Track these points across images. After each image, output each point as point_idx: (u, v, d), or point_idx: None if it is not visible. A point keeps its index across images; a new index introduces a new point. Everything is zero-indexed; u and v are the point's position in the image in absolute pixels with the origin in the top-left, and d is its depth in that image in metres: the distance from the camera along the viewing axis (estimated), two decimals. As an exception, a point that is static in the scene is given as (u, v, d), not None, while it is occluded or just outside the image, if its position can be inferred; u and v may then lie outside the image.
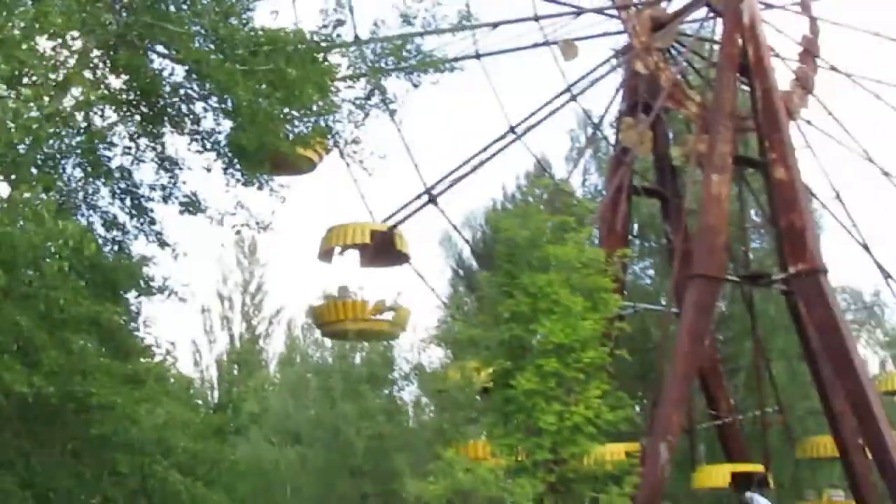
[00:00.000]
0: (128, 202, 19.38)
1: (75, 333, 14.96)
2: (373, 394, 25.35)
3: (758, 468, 29.59)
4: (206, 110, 18.06)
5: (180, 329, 58.82)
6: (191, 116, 18.58)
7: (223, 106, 17.40)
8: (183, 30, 16.78)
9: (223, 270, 47.73)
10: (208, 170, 18.42)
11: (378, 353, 27.83)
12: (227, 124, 18.07)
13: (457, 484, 11.50)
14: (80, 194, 18.82)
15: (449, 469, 11.83)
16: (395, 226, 26.83)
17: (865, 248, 33.98)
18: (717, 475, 29.07)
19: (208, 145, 18.55)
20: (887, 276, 34.31)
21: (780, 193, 29.47)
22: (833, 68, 34.67)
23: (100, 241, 18.25)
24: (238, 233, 18.57)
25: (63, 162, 18.18)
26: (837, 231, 34.12)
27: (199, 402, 20.69)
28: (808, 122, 33.91)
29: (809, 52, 34.06)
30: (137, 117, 18.66)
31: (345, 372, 27.25)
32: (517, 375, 16.44)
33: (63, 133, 17.28)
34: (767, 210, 32.03)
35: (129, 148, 19.05)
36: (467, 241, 36.06)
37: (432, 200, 27.61)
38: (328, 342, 38.01)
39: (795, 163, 29.75)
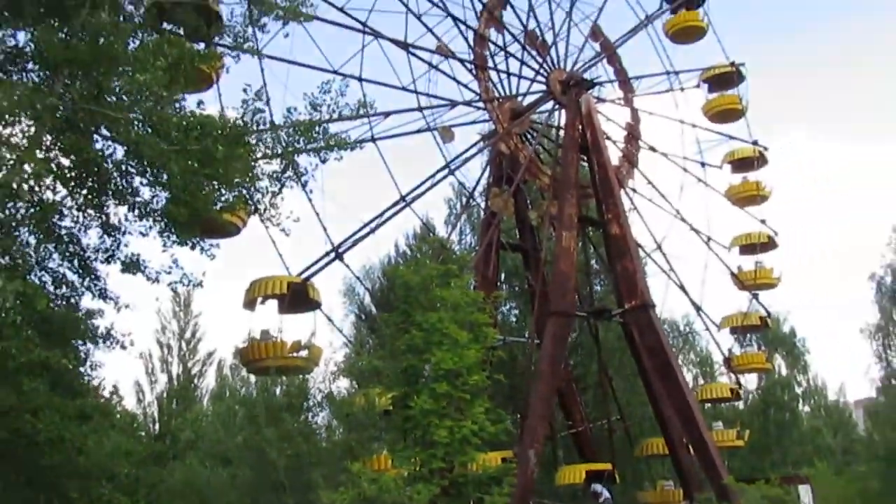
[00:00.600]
0: (75, 263, 18.39)
1: (26, 377, 13.94)
2: (291, 419, 24.41)
3: (606, 466, 29.73)
4: (143, 184, 17.35)
5: (125, 372, 57.11)
6: (130, 190, 17.80)
7: (159, 179, 16.65)
8: (122, 115, 16.18)
9: (161, 320, 46.62)
10: (144, 234, 17.57)
11: (295, 386, 26.93)
12: (162, 195, 17.38)
13: (363, 492, 10.96)
14: (33, 258, 17.71)
15: (356, 480, 11.29)
16: (307, 278, 26.21)
17: (681, 287, 35.07)
18: (573, 474, 29.05)
19: (146, 214, 17.75)
20: (698, 309, 35.45)
21: (615, 245, 30.11)
22: (651, 148, 35.98)
23: (51, 296, 17.30)
24: (174, 290, 17.69)
25: (17, 231, 17.11)
26: (659, 275, 35.11)
27: (143, 434, 19.52)
28: (634, 190, 35.02)
29: (632, 135, 35.28)
30: (84, 191, 17.74)
31: (267, 402, 26.20)
32: (414, 398, 16.06)
33: (19, 205, 16.41)
34: (606, 259, 32.73)
35: (77, 218, 18.10)
36: (368, 290, 35.61)
37: (339, 257, 27.11)
38: (252, 378, 37.01)
39: (626, 221, 30.53)
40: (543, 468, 29.29)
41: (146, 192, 17.25)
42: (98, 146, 17.31)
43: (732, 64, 37.01)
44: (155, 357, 45.46)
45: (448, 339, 16.47)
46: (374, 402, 19.77)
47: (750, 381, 42.37)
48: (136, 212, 17.87)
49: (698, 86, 38.02)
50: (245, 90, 18.38)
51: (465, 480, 16.22)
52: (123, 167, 17.49)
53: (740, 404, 42.76)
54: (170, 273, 17.29)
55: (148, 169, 16.92)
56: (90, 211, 18.14)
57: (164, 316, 46.31)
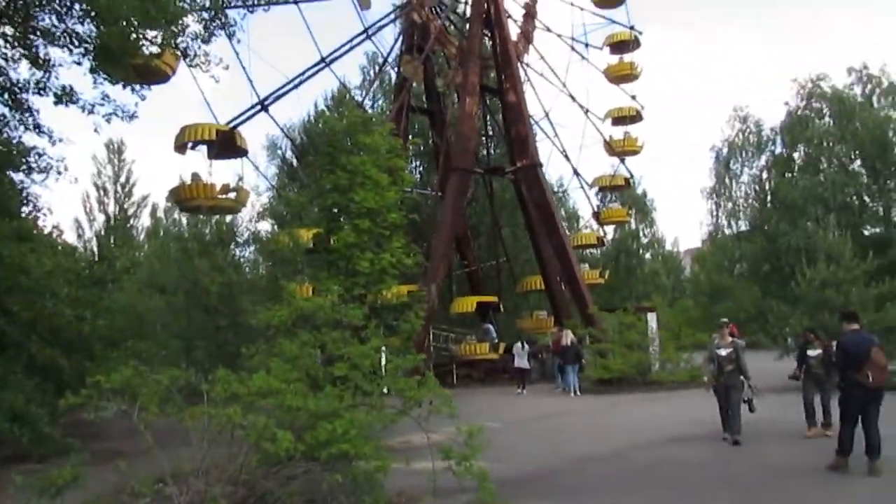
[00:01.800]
0: (6, 96, 15.86)
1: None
2: (221, 253, 23.17)
3: (493, 299, 30.24)
4: (71, 16, 14.79)
5: (64, 212, 53.63)
6: (58, 27, 15.21)
7: (88, 8, 14.22)
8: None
9: (97, 166, 43.40)
10: (79, 63, 15.12)
11: (224, 224, 25.48)
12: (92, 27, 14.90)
13: (299, 309, 10.17)
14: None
15: (291, 299, 10.46)
16: (235, 127, 24.27)
17: (563, 152, 34.96)
18: (466, 304, 29.37)
19: (76, 46, 15.30)
20: (576, 171, 35.55)
21: (511, 111, 29.33)
22: (546, 28, 34.61)
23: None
24: (108, 121, 15.48)
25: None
26: (545, 140, 34.68)
27: (83, 264, 17.82)
28: (528, 65, 33.84)
29: (530, 14, 33.71)
30: (9, 29, 15.05)
31: (198, 235, 24.75)
32: (338, 233, 15.21)
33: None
34: (501, 124, 31.94)
35: (5, 54, 15.42)
36: (291, 140, 33.45)
37: (264, 108, 25.11)
38: (185, 220, 35.11)
39: (522, 90, 29.62)
40: (441, 300, 29.42)
41: (78, 28, 14.77)
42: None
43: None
44: (92, 198, 42.80)
45: (370, 181, 15.50)
46: (298, 239, 18.83)
47: (608, 232, 43.50)
48: (66, 49, 15.42)
49: (587, -27, 36.30)
50: None
51: (382, 306, 15.74)
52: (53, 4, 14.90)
53: (598, 251, 44.07)
54: (103, 105, 15.15)
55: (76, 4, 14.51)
56: (18, 48, 15.54)
57: (99, 161, 43.28)
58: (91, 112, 14.74)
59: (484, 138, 33.96)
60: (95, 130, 15.28)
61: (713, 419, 12.62)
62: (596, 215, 36.73)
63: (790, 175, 29.65)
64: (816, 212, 26.25)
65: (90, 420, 7.48)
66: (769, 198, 30.72)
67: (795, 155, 30.76)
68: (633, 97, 35.81)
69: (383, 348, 9.93)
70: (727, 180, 37.38)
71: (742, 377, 12.06)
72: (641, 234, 54.13)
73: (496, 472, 8.09)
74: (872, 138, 26.98)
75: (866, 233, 27.50)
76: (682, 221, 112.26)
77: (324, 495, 7.36)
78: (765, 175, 32.85)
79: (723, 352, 12.12)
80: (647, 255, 55.37)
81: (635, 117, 35.61)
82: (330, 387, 8.49)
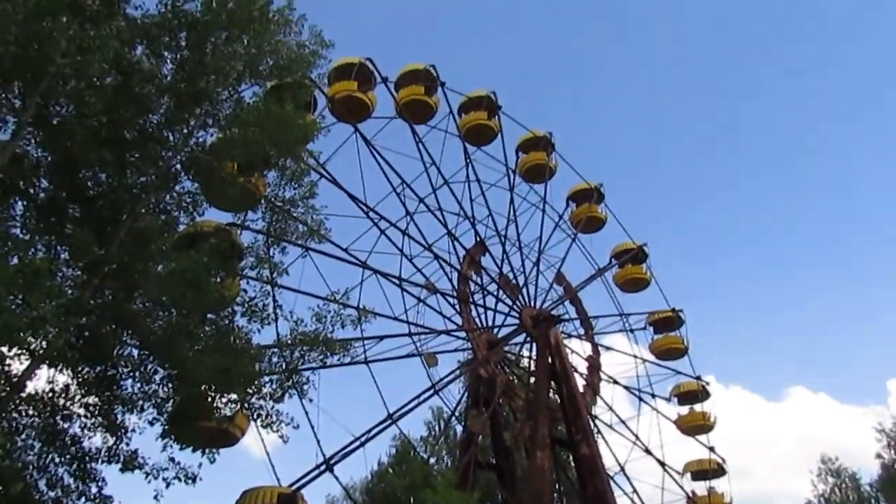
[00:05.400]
0: (74, 467, 15.40)
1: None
2: None
3: None
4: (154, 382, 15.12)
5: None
6: (142, 396, 15.45)
7: (171, 372, 14.57)
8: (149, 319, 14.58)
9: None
10: (151, 424, 15.04)
11: None
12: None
13: None
14: (35, 463, 14.80)
15: None
16: (298, 489, 23.08)
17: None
18: None
19: (154, 420, 15.31)
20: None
21: (584, 465, 27.68)
22: (612, 379, 34.61)
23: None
24: (168, 485, 14.70)
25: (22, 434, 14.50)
26: (622, 497, 31.90)
27: None
28: (596, 417, 32.94)
29: (594, 366, 34.02)
30: (92, 399, 15.35)
31: None
32: None
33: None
34: (575, 479, 29.89)
35: (84, 424, 15.39)
36: (354, 502, 31.54)
37: (329, 469, 24.15)
38: None
39: (595, 442, 28.31)
40: None
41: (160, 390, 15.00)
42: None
43: (673, 310, 36.82)
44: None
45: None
46: None
47: None
48: (140, 412, 15.46)
49: (645, 328, 37.50)
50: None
51: None
52: (138, 372, 15.42)
53: None
54: (167, 469, 14.54)
55: (160, 369, 14.95)
56: (98, 417, 15.64)
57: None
58: (155, 478, 14.09)
59: (557, 494, 31.53)
60: (156, 497, 14.41)
61: None
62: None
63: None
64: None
65: None
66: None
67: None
68: (712, 449, 33.82)
69: None
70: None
71: None
72: None
73: None
74: None
75: None
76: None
77: None
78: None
79: None
80: None
81: (717, 471, 33.19)
82: None
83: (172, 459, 14.62)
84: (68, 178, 14.61)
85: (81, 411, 15.32)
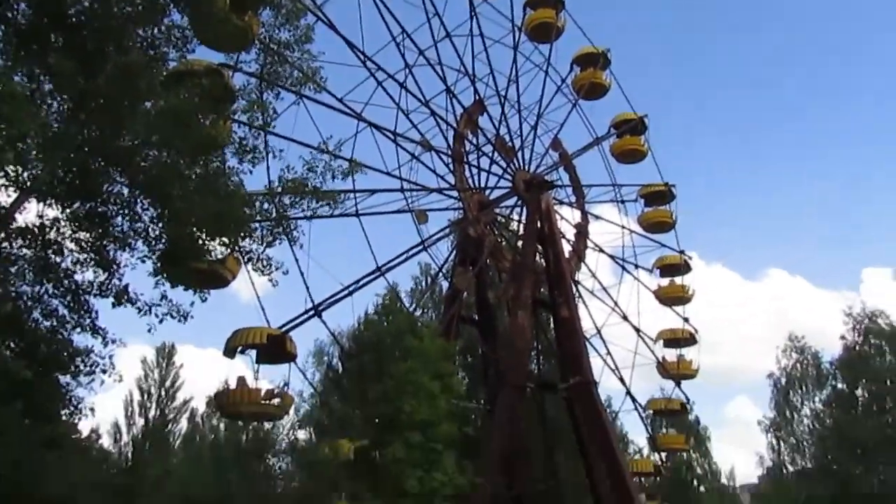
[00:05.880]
0: (68, 298, 15.78)
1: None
2: (256, 463, 21.77)
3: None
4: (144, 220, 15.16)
5: (106, 414, 52.16)
6: (133, 234, 15.52)
7: (158, 211, 14.59)
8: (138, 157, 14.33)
9: (145, 368, 42.68)
10: (143, 262, 15.26)
11: (262, 431, 24.25)
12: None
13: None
14: (29, 293, 15.16)
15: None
16: (287, 331, 24.00)
17: (615, 371, 33.60)
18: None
19: (145, 257, 15.49)
20: (629, 391, 33.85)
21: (563, 327, 28.79)
22: (598, 247, 35.19)
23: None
24: (161, 321, 15.19)
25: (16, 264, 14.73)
26: (595, 357, 33.42)
27: (114, 471, 16.64)
28: (578, 282, 33.80)
29: (582, 234, 34.45)
30: (84, 234, 15.39)
31: (234, 447, 23.49)
32: (386, 447, 13.94)
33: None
34: (553, 339, 31.21)
35: (77, 258, 15.52)
36: (341, 347, 32.82)
37: (318, 314, 25.02)
38: (222, 426, 33.81)
39: (575, 306, 29.27)
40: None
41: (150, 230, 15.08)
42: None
43: (666, 184, 36.77)
44: (135, 402, 41.72)
45: (420, 390, 14.53)
46: (338, 451, 17.44)
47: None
48: (136, 253, 15.63)
49: (636, 200, 37.60)
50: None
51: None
52: (128, 210, 15.39)
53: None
54: (160, 305, 14.97)
55: (152, 207, 14.94)
56: (90, 253, 15.80)
57: (148, 364, 42.45)
58: (147, 313, 14.49)
59: (535, 352, 33.02)
60: (149, 330, 14.94)
61: None
62: (651, 440, 34.32)
63: (854, 412, 27.88)
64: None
65: None
66: (831, 434, 28.55)
67: (858, 392, 29.21)
68: (686, 319, 35.10)
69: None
70: (787, 413, 35.42)
71: None
72: (696, 464, 50.10)
73: None
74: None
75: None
76: (738, 449, 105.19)
77: None
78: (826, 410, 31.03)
79: None
80: (702, 488, 50.83)
81: (689, 340, 34.62)
82: None
83: (164, 296, 15.05)
84: (49, 2, 13.78)
85: (73, 246, 15.49)
